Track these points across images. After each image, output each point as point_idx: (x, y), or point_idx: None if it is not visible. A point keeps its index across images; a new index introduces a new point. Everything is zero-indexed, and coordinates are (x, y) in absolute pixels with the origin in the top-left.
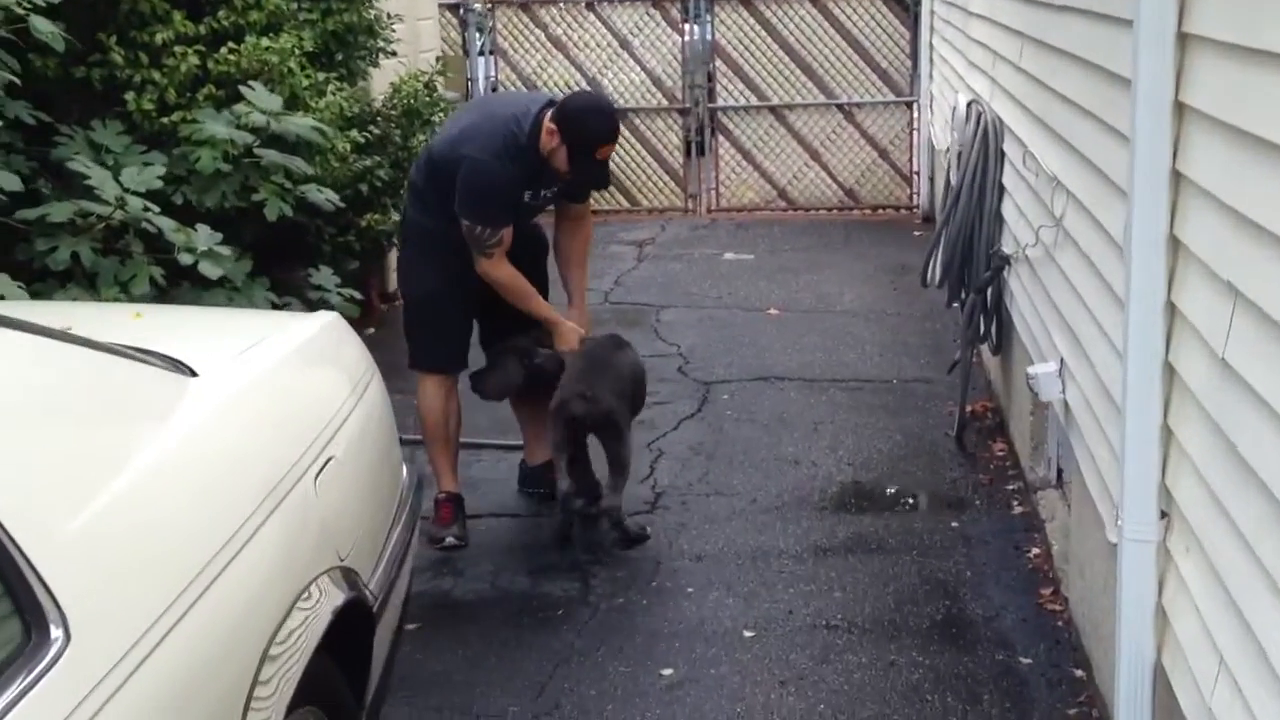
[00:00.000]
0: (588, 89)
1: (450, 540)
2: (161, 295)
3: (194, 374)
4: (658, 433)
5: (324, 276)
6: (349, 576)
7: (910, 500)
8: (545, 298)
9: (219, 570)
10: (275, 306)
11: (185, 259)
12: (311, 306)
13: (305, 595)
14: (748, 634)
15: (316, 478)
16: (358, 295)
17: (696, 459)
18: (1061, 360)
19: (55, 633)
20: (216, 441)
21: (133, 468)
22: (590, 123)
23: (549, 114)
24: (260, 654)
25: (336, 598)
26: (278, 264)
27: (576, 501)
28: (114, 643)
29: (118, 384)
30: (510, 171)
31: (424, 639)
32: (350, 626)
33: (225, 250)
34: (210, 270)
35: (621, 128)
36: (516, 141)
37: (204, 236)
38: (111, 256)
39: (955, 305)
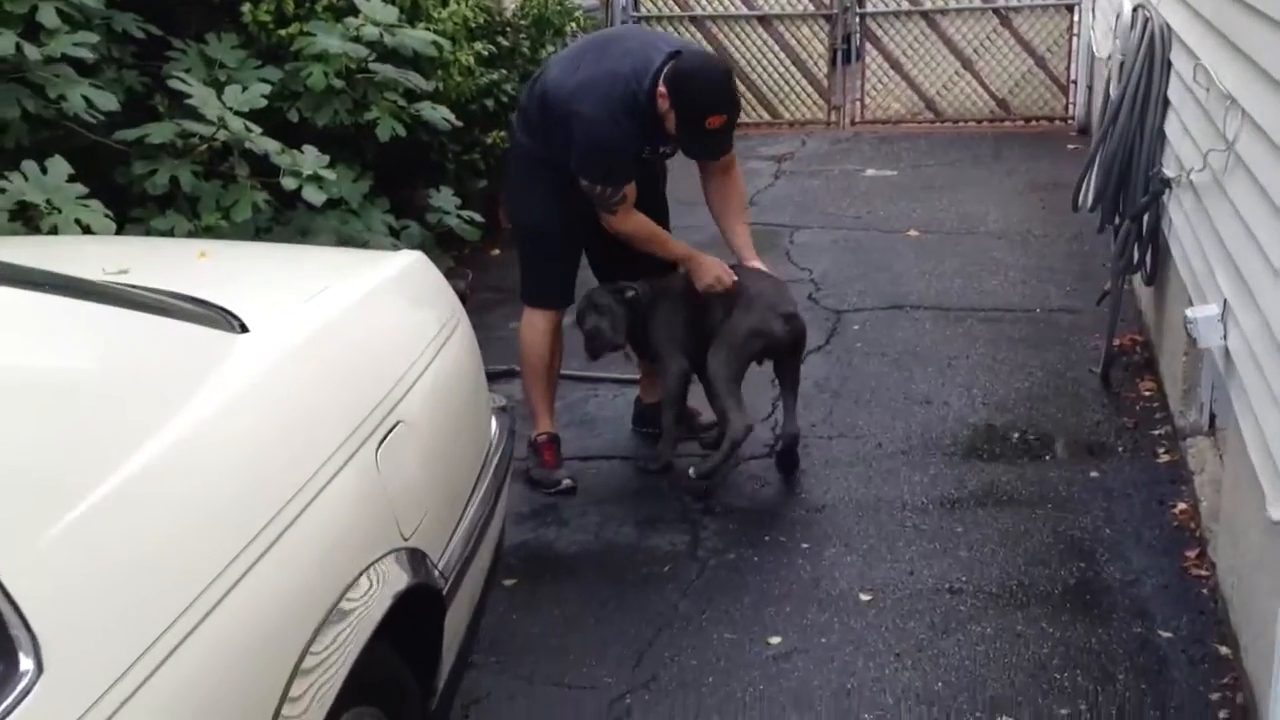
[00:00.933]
0: (703, 49)
1: (566, 484)
2: (274, 221)
3: (244, 329)
4: None
5: (444, 198)
6: (414, 558)
7: (1048, 446)
8: (666, 226)
9: (239, 575)
10: (393, 230)
11: (289, 183)
12: (430, 229)
13: (355, 587)
14: (864, 597)
15: (379, 448)
16: (478, 218)
17: (821, 397)
18: (1225, 303)
19: (25, 664)
20: (252, 416)
21: (139, 456)
22: (699, 91)
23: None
24: (291, 669)
25: (398, 584)
26: (399, 183)
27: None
28: (98, 672)
29: (139, 352)
30: (628, 130)
31: (522, 597)
32: (417, 612)
33: (331, 174)
34: (314, 195)
35: (768, 42)
36: (635, 100)
37: (310, 159)
38: (214, 180)
39: (1108, 230)
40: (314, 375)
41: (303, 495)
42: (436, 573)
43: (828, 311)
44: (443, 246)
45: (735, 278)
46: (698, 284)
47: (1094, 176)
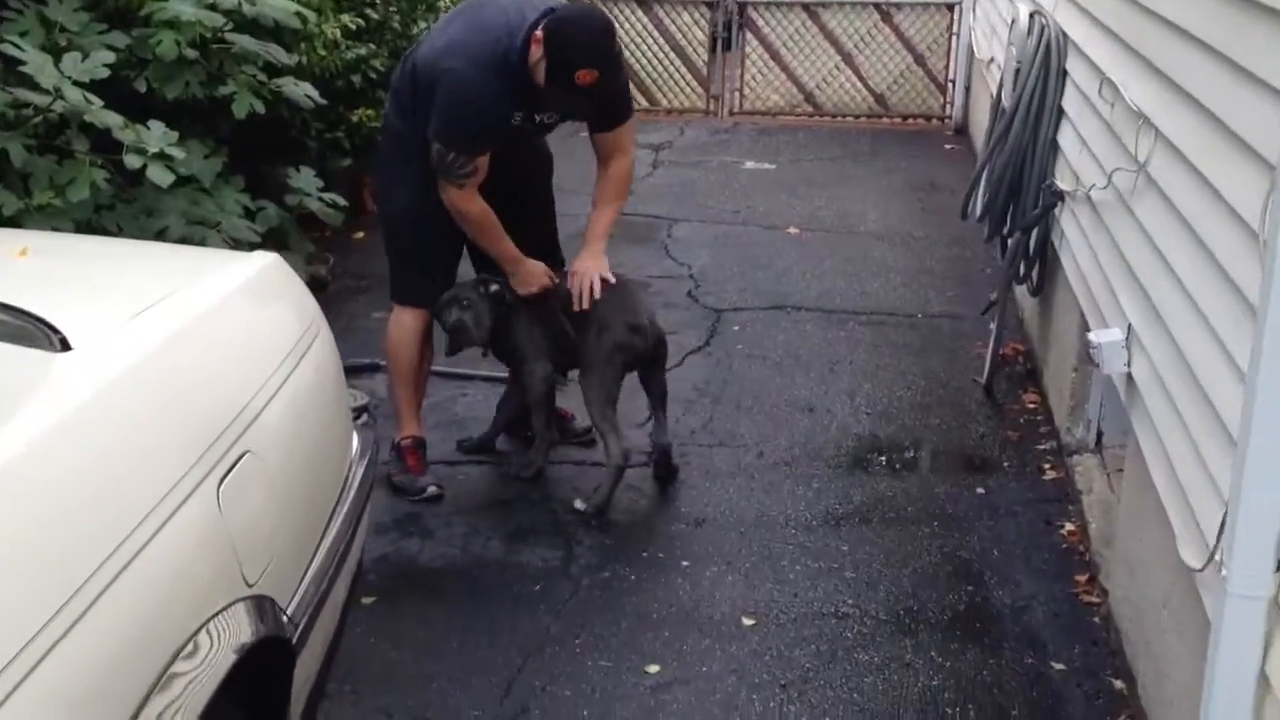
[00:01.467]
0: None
1: (431, 490)
2: (117, 200)
3: (65, 346)
4: None
5: (304, 178)
6: (261, 607)
7: (934, 459)
8: (551, 224)
9: (43, 651)
10: (249, 211)
11: (133, 161)
12: (289, 211)
13: (190, 648)
14: (747, 622)
15: (221, 485)
16: (340, 200)
17: (702, 402)
18: (1129, 328)
19: None
20: (67, 455)
21: None
22: (572, 40)
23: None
24: None
25: (241, 638)
26: (257, 161)
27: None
28: None
29: None
30: (496, 90)
31: (381, 617)
32: (263, 663)
33: (180, 152)
34: (160, 176)
35: (648, 26)
36: (507, 57)
37: (157, 135)
38: (49, 156)
39: (995, 241)
40: (147, 403)
41: (128, 546)
42: (286, 619)
43: (707, 310)
44: (303, 230)
45: (554, 282)
46: (519, 290)
47: (983, 186)
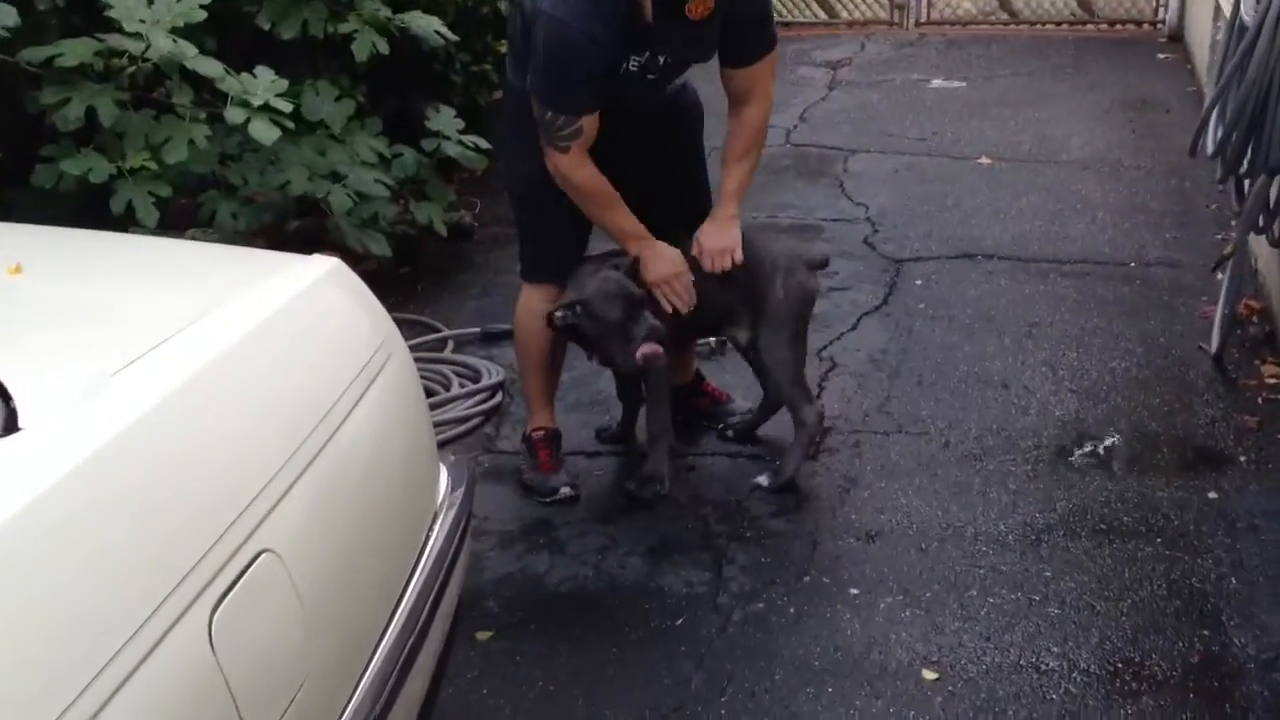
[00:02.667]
0: None
1: (565, 492)
2: (243, 149)
3: (10, 423)
4: (831, 333)
5: (444, 119)
6: None
7: (1153, 452)
8: (702, 191)
9: None
10: (383, 159)
11: (235, 116)
12: (428, 156)
13: None
14: (929, 675)
15: (215, 611)
16: (483, 143)
17: (877, 376)
18: None
19: None
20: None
21: None
22: None
23: None
24: None
25: None
26: (398, 98)
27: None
28: None
29: None
30: (597, 35)
31: (497, 659)
32: None
33: (286, 104)
34: (264, 133)
35: None
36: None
37: (264, 84)
38: (144, 111)
39: (1229, 183)
40: (109, 509)
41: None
42: None
43: (886, 261)
44: (445, 174)
45: (687, 277)
46: (645, 278)
47: (1215, 119)
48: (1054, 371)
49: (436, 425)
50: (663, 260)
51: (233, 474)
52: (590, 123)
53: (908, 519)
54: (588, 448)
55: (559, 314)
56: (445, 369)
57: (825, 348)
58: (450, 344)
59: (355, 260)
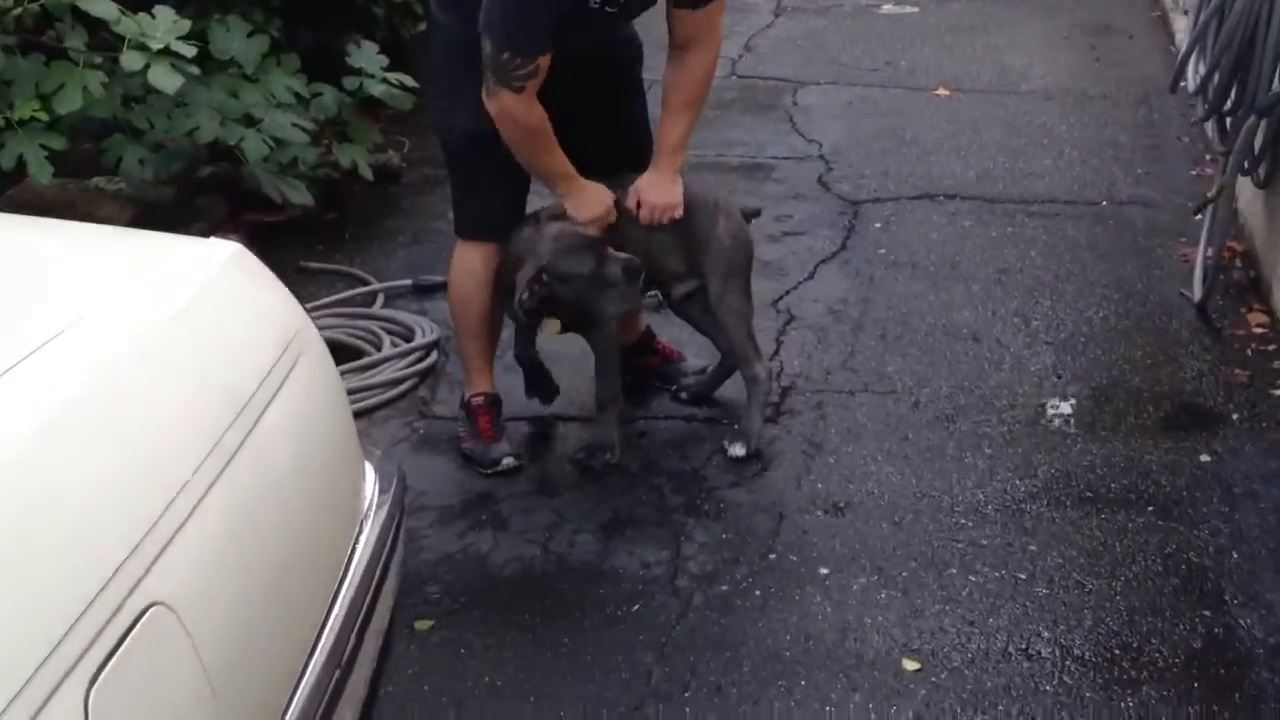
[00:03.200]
0: None
1: (508, 463)
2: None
3: None
4: (788, 282)
5: (367, 55)
6: None
7: (1138, 410)
8: (643, 132)
9: None
10: (301, 99)
11: (133, 61)
12: (350, 95)
13: None
14: (909, 666)
15: (94, 683)
16: (409, 81)
17: (839, 329)
18: None
19: None
20: None
21: None
22: None
23: None
24: None
25: None
26: (315, 33)
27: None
28: None
29: None
30: None
31: (438, 651)
32: None
33: (189, 48)
34: (166, 80)
35: None
36: None
37: (164, 26)
38: (34, 56)
39: (1211, 121)
40: None
41: None
42: None
43: (843, 203)
44: (369, 114)
45: (614, 214)
46: (575, 216)
47: (1196, 54)
48: (1027, 322)
49: (367, 389)
50: (591, 200)
51: (112, 514)
52: (545, 62)
53: (878, 488)
54: (530, 412)
55: (525, 295)
56: (375, 326)
57: (781, 299)
58: (381, 297)
59: (275, 209)
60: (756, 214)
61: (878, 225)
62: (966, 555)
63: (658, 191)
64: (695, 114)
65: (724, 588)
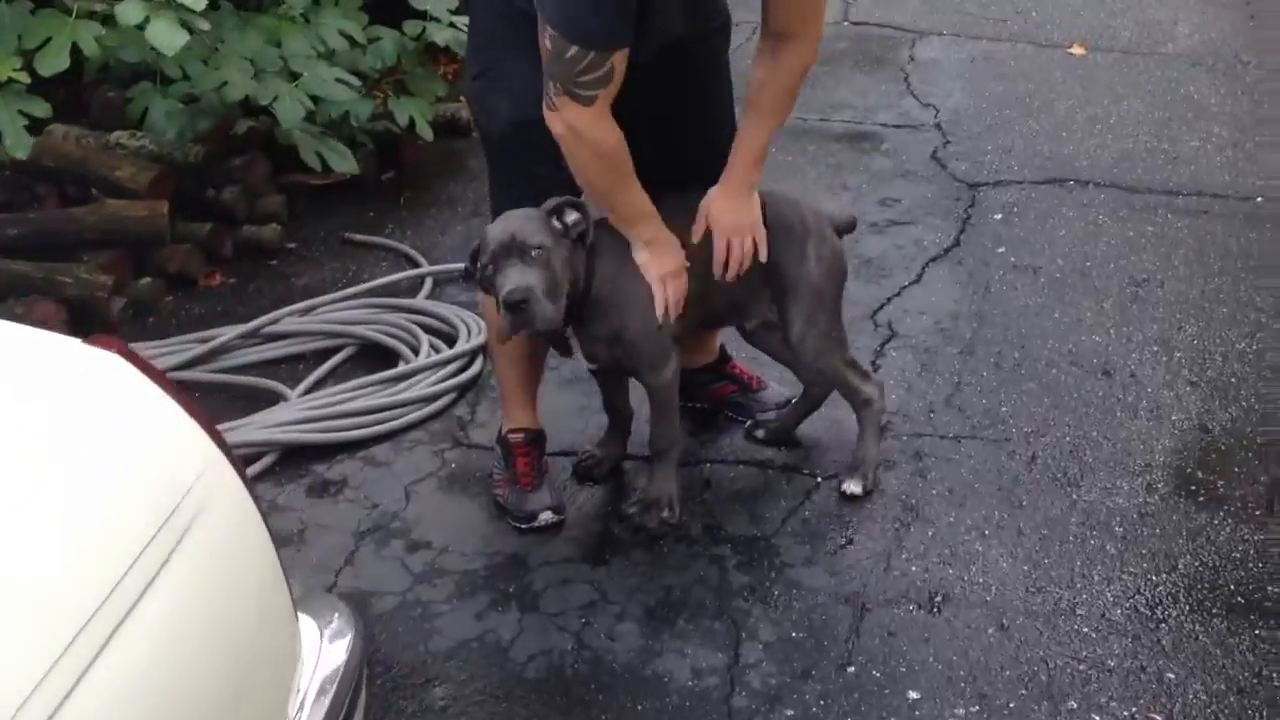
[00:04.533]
0: None
1: (545, 518)
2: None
3: None
4: (890, 287)
5: None
6: None
7: None
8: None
9: None
10: (354, 45)
11: (130, 14)
12: (414, 40)
13: None
14: None
15: None
16: None
17: (946, 352)
18: None
19: None
20: None
21: None
22: None
23: None
24: None
25: None
26: None
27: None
28: None
29: None
30: None
31: None
32: None
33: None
34: (166, 37)
35: None
36: None
37: None
38: (19, 3)
39: None
40: None
41: None
42: None
43: (959, 186)
44: (433, 63)
45: (685, 281)
46: (646, 274)
47: None
48: (1168, 353)
49: (394, 407)
50: (670, 253)
51: None
52: (621, 61)
53: (984, 576)
54: (579, 443)
55: (573, 215)
56: (414, 324)
57: (881, 308)
58: (428, 283)
59: (324, 170)
60: (851, 227)
61: (997, 216)
62: (1090, 684)
63: (734, 211)
64: (781, 122)
65: (790, 713)
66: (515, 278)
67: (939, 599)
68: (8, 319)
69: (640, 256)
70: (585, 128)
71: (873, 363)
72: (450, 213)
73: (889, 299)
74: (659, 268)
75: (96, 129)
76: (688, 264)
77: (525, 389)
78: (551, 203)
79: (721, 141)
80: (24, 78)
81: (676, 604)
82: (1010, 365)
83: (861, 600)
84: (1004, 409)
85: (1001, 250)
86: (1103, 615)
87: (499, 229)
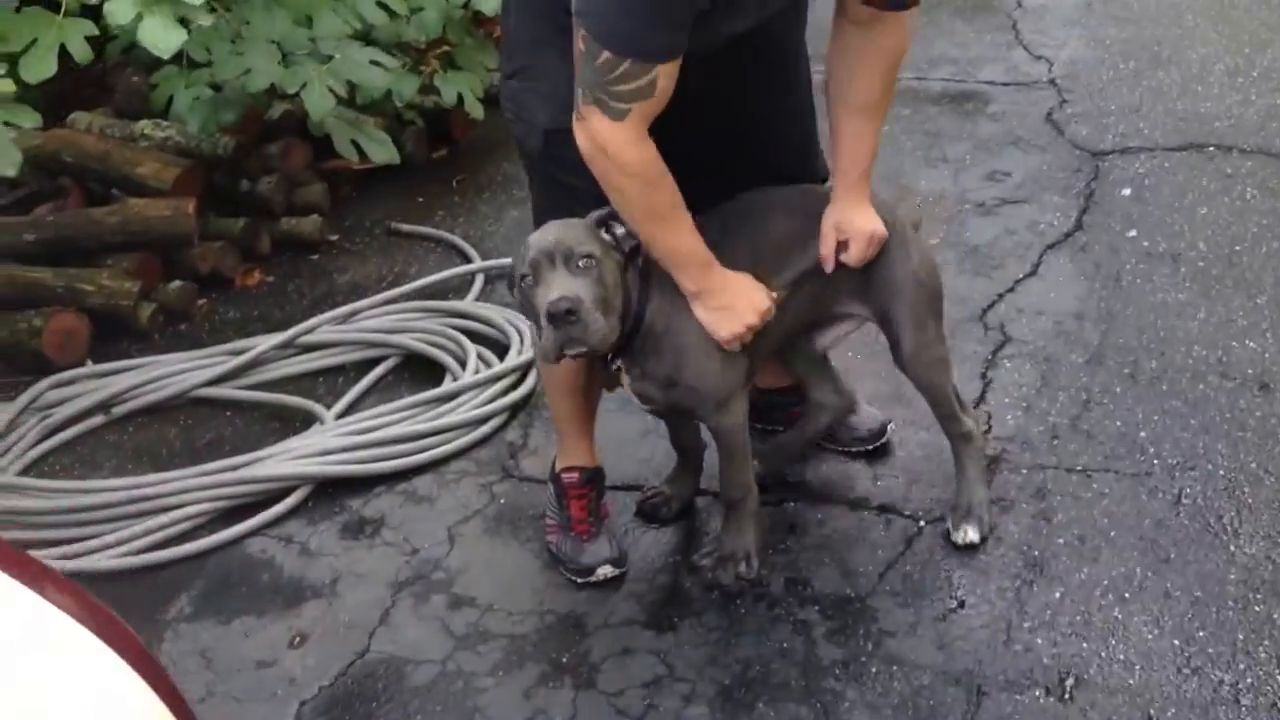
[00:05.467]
0: None
1: (604, 573)
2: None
3: None
4: (1003, 280)
5: None
6: None
7: None
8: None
9: None
10: (393, 16)
11: (120, 12)
12: (461, 8)
13: None
14: None
15: None
16: None
17: (1070, 360)
18: None
19: None
20: None
21: None
22: None
23: None
24: None
25: None
26: None
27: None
28: None
29: None
30: None
31: None
32: None
33: None
34: (160, 37)
35: None
36: None
37: None
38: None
39: None
40: None
41: None
42: None
43: (1080, 154)
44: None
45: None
46: (716, 332)
47: None
48: None
49: (436, 433)
50: (743, 298)
51: None
52: (669, 75)
53: (1125, 651)
54: (644, 475)
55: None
56: (461, 333)
57: (991, 306)
58: (478, 280)
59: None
60: (917, 228)
61: (1126, 192)
62: None
63: (860, 219)
64: (885, 113)
65: None
66: (561, 286)
67: (1070, 682)
68: (26, 331)
69: (700, 315)
70: (613, 146)
71: (982, 375)
72: (505, 196)
73: (1000, 296)
74: (727, 327)
75: (121, 117)
76: (774, 297)
77: (580, 423)
78: (599, 213)
79: (805, 145)
80: (9, 86)
81: (755, 682)
82: (1147, 378)
83: (976, 682)
84: (1142, 434)
85: (1132, 234)
86: (1274, 705)
87: (541, 236)
